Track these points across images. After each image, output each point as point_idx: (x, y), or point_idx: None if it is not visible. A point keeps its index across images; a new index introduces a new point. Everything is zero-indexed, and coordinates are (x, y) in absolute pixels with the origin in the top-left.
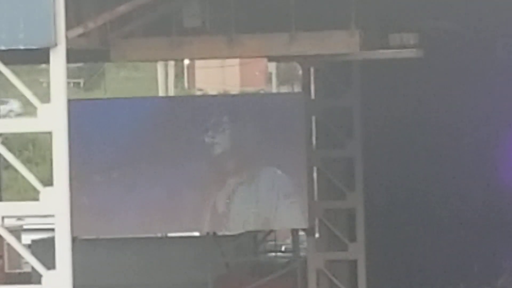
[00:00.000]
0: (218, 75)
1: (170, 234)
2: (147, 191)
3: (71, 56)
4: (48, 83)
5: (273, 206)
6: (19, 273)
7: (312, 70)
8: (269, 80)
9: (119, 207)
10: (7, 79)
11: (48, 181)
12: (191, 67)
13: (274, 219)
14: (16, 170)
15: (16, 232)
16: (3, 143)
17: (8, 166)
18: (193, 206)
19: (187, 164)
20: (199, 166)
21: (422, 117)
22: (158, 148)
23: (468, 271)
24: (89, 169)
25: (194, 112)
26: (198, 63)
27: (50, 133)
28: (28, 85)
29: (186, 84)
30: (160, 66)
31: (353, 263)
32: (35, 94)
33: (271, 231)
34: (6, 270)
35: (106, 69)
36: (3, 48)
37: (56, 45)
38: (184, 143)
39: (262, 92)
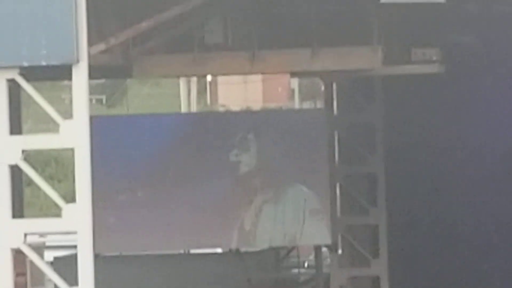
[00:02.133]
0: (240, 91)
1: (192, 251)
2: (172, 209)
3: (93, 72)
4: (70, 100)
5: (300, 224)
6: None
7: (334, 85)
8: (291, 96)
9: (144, 225)
10: (29, 96)
11: (70, 198)
12: (213, 83)
13: (300, 236)
14: (38, 187)
15: (39, 249)
16: (26, 160)
17: (30, 182)
18: (218, 223)
19: (212, 181)
20: (225, 184)
21: (445, 132)
22: (183, 165)
23: (491, 282)
24: (114, 188)
25: (218, 129)
26: (221, 79)
27: (72, 149)
28: (50, 102)
29: (208, 100)
30: (182, 82)
31: (376, 280)
32: (57, 110)
33: (294, 247)
34: (29, 287)
35: (129, 86)
36: (25, 64)
37: (78, 61)
38: (208, 160)
39: (284, 108)
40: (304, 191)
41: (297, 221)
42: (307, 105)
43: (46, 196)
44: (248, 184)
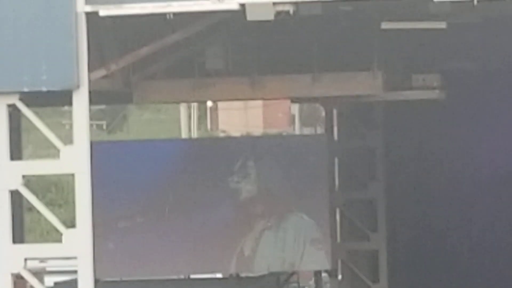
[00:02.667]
0: (241, 117)
1: (192, 276)
2: (172, 235)
3: (94, 98)
4: (71, 125)
5: (299, 251)
6: None
7: (335, 111)
8: (292, 121)
9: (144, 250)
10: (29, 121)
11: (71, 223)
12: (214, 109)
13: (299, 263)
14: (39, 212)
15: (39, 274)
16: (26, 185)
17: (31, 208)
18: (218, 248)
19: (212, 208)
20: (225, 210)
21: (445, 158)
22: (183, 191)
23: None
24: (114, 215)
25: (218, 155)
26: (221, 104)
27: (73, 175)
28: (51, 127)
29: (209, 126)
30: (183, 108)
31: None
32: (58, 136)
33: (294, 272)
34: None
35: (129, 111)
36: (26, 90)
37: (78, 87)
38: (208, 186)
39: (285, 133)
40: (305, 219)
41: (297, 249)
42: (307, 131)
43: (46, 221)
44: (248, 211)
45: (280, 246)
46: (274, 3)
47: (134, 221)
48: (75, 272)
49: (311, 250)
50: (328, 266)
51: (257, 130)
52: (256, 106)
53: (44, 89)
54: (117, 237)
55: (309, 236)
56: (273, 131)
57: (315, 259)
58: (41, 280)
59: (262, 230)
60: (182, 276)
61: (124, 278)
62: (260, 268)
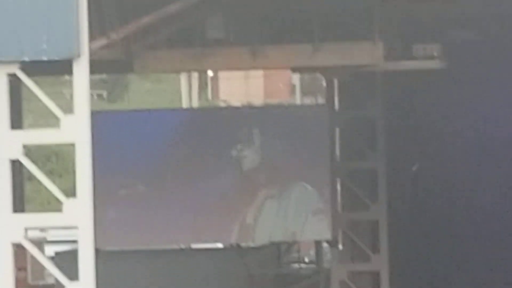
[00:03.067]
0: (241, 87)
1: (193, 246)
2: (173, 204)
3: (95, 67)
4: (71, 95)
5: (301, 221)
6: (43, 285)
7: (335, 81)
8: (292, 91)
9: (145, 220)
10: (30, 91)
11: (71, 193)
12: (214, 79)
13: (301, 233)
14: (39, 182)
15: (40, 243)
16: (27, 155)
17: (31, 177)
18: (219, 218)
19: (214, 177)
20: (227, 179)
21: (445, 128)
22: (184, 160)
23: (494, 283)
24: (115, 183)
25: (221, 124)
26: (222, 74)
27: (73, 144)
28: (51, 97)
29: (209, 96)
30: (183, 77)
31: (376, 275)
32: (58, 105)
33: (295, 242)
34: (30, 282)
35: (130, 81)
36: (26, 59)
37: (79, 56)
38: (211, 155)
39: (286, 103)
40: (308, 189)
41: (299, 219)
42: (308, 100)
43: (46, 191)
44: (252, 180)
45: (282, 215)
46: None
47: (135, 190)
48: (75, 241)
49: (313, 220)
50: (329, 236)
51: (258, 100)
52: (257, 76)
53: (44, 58)
54: (118, 206)
55: (312, 206)
56: (273, 101)
57: (317, 229)
58: (42, 250)
59: (264, 199)
60: (183, 246)
61: (124, 248)
62: (261, 238)
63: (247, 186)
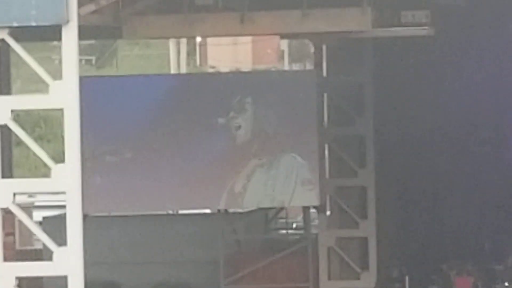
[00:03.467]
0: (230, 53)
1: (181, 212)
2: (160, 171)
3: (83, 33)
4: (60, 60)
5: (289, 191)
6: (31, 250)
7: (324, 47)
8: (281, 57)
9: (133, 186)
10: (19, 56)
11: (59, 159)
12: (203, 45)
13: (289, 201)
14: (27, 147)
15: (28, 209)
16: (15, 120)
17: (19, 143)
18: (208, 184)
19: (203, 144)
20: (216, 146)
21: (434, 94)
22: (173, 127)
23: (479, 249)
24: (103, 149)
25: (210, 91)
26: (210, 40)
27: (62, 110)
28: (40, 62)
29: (198, 62)
30: (172, 43)
31: (364, 241)
32: (47, 71)
33: (282, 208)
34: (18, 247)
35: (118, 47)
36: (15, 24)
37: (68, 22)
38: (200, 122)
39: (274, 69)
40: (297, 160)
41: (287, 188)
42: (296, 67)
43: (35, 156)
44: (242, 148)
45: (270, 184)
46: None
47: (122, 156)
48: (63, 207)
49: (302, 190)
50: (316, 202)
51: (246, 66)
52: (246, 42)
53: (33, 23)
54: (105, 172)
55: (301, 176)
56: (262, 67)
57: (305, 197)
58: (30, 215)
59: (254, 168)
60: (170, 212)
61: (112, 213)
62: (249, 204)
63: (236, 154)
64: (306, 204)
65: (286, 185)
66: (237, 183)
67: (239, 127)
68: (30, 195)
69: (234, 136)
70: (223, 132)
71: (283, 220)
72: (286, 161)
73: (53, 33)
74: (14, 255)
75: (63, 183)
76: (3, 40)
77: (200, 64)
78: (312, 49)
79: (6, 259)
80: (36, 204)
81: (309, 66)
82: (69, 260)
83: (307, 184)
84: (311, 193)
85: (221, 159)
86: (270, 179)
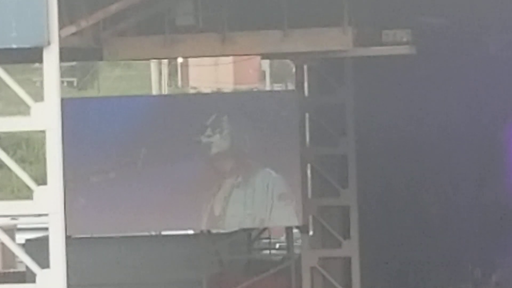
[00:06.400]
0: (211, 73)
1: (164, 233)
2: (143, 191)
3: (64, 55)
4: (41, 82)
5: (268, 207)
6: (14, 272)
7: (305, 67)
8: (262, 78)
9: (116, 206)
10: (0, 78)
11: (42, 180)
12: (184, 65)
13: (269, 219)
14: (9, 169)
15: (10, 231)
16: None
17: (1, 165)
18: (189, 205)
19: (183, 163)
20: (195, 166)
21: (415, 113)
22: (154, 147)
23: (462, 267)
24: (86, 170)
25: (190, 110)
26: (192, 61)
27: (43, 131)
28: (22, 84)
29: (179, 82)
30: (153, 64)
31: (347, 260)
32: (29, 93)
33: (265, 228)
34: (0, 269)
35: (100, 68)
36: None
37: (49, 44)
38: (180, 142)
39: (255, 90)
40: (272, 175)
41: (265, 205)
42: (278, 87)
43: (17, 178)
44: (218, 167)
45: (249, 203)
46: None
47: (105, 176)
48: (46, 229)
49: (280, 205)
50: (298, 222)
51: (228, 86)
52: (227, 63)
53: (14, 46)
54: (89, 192)
55: (277, 191)
56: (243, 87)
57: (284, 214)
58: (13, 237)
59: (231, 188)
60: (153, 233)
61: (95, 235)
62: (230, 226)
63: (213, 173)
64: (287, 224)
65: (264, 201)
66: (216, 206)
67: (214, 144)
68: (13, 217)
69: (210, 154)
70: (200, 152)
71: (266, 241)
72: (261, 177)
73: (34, 55)
74: None
75: (46, 205)
76: None
77: (182, 85)
78: (293, 69)
79: None
80: (19, 226)
81: (290, 86)
82: (52, 282)
83: (284, 199)
84: (290, 208)
85: (199, 178)
86: (248, 197)
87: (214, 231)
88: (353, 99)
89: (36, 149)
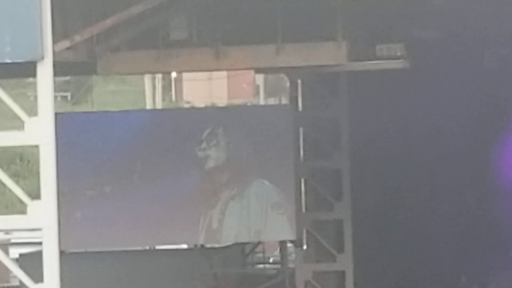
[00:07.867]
0: (205, 88)
1: (158, 247)
2: (138, 205)
3: (58, 69)
4: (35, 97)
5: (262, 218)
6: (7, 287)
7: (299, 81)
8: (256, 92)
9: (112, 221)
10: None
11: (36, 195)
12: (178, 80)
13: (264, 231)
14: (3, 184)
15: (4, 246)
16: None
17: None
18: (185, 219)
19: (179, 177)
20: (191, 180)
21: (410, 127)
22: (150, 161)
23: (456, 281)
24: (81, 184)
25: (185, 125)
26: (186, 75)
27: (37, 146)
28: (15, 99)
29: (173, 97)
30: (147, 79)
31: (341, 274)
32: (22, 107)
33: (259, 242)
34: None
35: (94, 83)
36: None
37: (43, 58)
38: (175, 156)
39: (249, 104)
40: (266, 184)
41: (260, 215)
42: (272, 101)
43: (11, 193)
44: (214, 180)
45: (244, 214)
46: None
47: (101, 190)
48: (40, 243)
49: (274, 215)
50: (292, 236)
51: (222, 101)
52: (221, 77)
53: (8, 60)
54: (85, 206)
55: (271, 200)
56: (237, 101)
57: (279, 225)
58: (6, 252)
59: (227, 201)
60: (148, 247)
61: (89, 249)
62: (227, 239)
63: (209, 186)
64: (281, 238)
65: (259, 211)
66: (213, 219)
67: (210, 158)
68: (7, 232)
69: (205, 168)
70: (196, 165)
71: (260, 255)
72: (255, 187)
73: (28, 69)
74: None
75: (39, 219)
76: None
77: (176, 100)
78: (287, 84)
79: None
80: (13, 241)
81: (284, 100)
82: None
83: (278, 208)
84: (284, 218)
85: (195, 192)
86: (244, 209)
87: (208, 245)
88: (347, 113)
89: (30, 163)
